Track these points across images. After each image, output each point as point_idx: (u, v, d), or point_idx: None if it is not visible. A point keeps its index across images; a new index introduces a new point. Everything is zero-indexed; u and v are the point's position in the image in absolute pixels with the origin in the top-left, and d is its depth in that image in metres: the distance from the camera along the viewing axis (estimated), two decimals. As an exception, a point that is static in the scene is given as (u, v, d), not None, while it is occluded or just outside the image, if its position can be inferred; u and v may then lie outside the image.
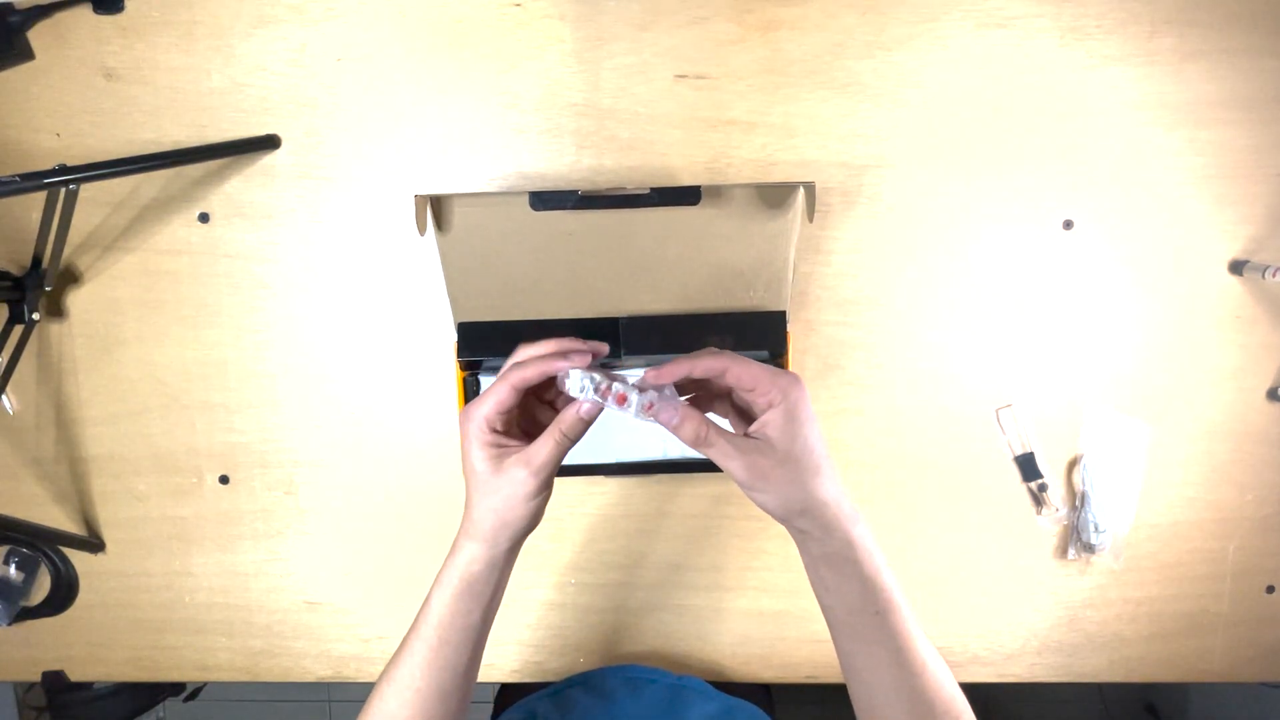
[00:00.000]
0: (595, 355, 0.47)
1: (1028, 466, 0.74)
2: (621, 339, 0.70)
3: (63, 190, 0.64)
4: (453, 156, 0.73)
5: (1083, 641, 0.77)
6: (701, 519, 0.77)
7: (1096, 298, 0.73)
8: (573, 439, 0.46)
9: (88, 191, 0.71)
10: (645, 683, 0.73)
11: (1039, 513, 0.75)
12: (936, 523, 0.76)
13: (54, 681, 0.81)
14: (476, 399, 0.46)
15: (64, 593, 0.78)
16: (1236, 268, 0.72)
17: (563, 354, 0.46)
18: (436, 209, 0.65)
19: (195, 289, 0.75)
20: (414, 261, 0.74)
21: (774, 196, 0.65)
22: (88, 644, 0.81)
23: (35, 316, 0.73)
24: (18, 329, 0.72)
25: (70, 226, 0.69)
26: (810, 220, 0.64)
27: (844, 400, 0.75)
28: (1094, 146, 0.71)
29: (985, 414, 0.75)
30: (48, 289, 0.73)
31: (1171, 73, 0.70)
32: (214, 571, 0.79)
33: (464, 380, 0.73)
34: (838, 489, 0.46)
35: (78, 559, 0.79)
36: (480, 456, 0.46)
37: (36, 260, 0.71)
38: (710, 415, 0.47)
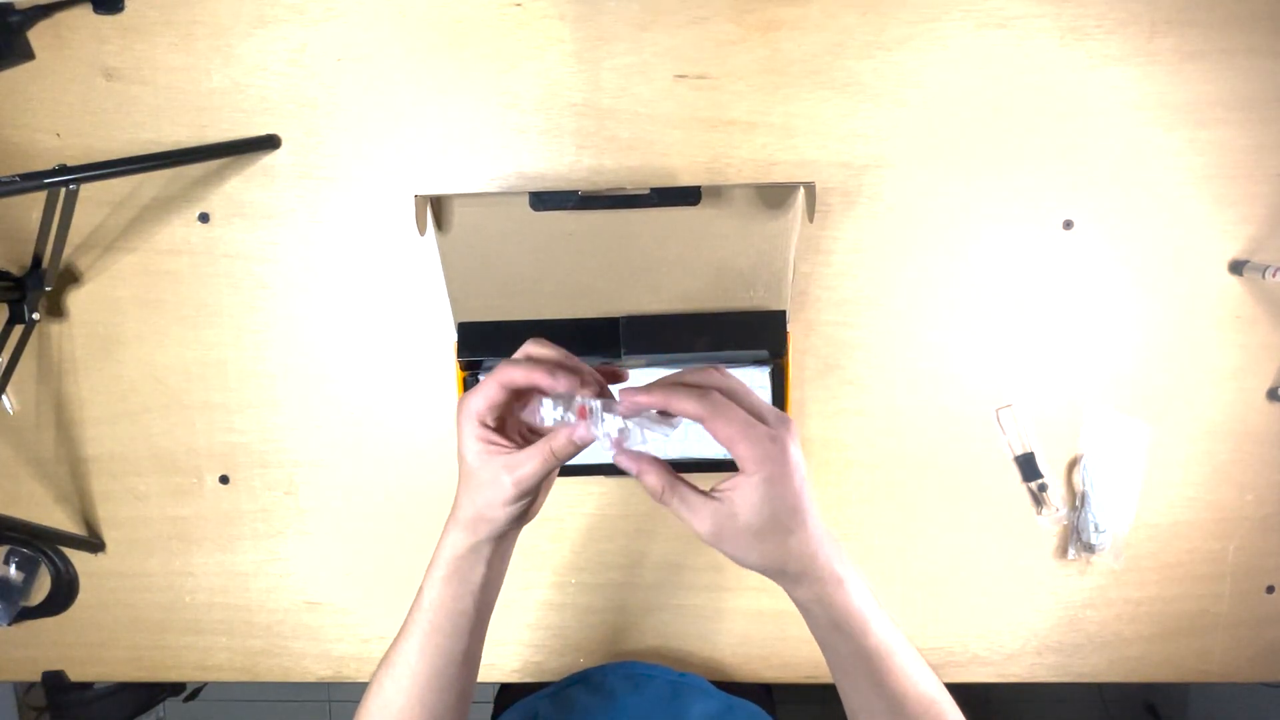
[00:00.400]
0: (587, 385, 0.44)
1: (1028, 466, 0.74)
2: (621, 339, 0.70)
3: (63, 190, 0.64)
4: (453, 156, 0.73)
5: (1083, 641, 0.77)
6: (701, 519, 0.77)
7: (1096, 298, 0.73)
8: (561, 459, 0.44)
9: (88, 191, 0.71)
10: (646, 679, 0.73)
11: (1039, 513, 0.75)
12: (936, 523, 0.76)
13: (54, 681, 0.81)
14: (473, 388, 0.45)
15: (64, 593, 0.78)
16: (1236, 268, 0.72)
17: (555, 370, 0.43)
18: (436, 209, 0.65)
19: (195, 289, 0.75)
20: (414, 261, 0.74)
21: (774, 196, 0.65)
22: (88, 644, 0.81)
23: (35, 316, 0.73)
24: (18, 329, 0.72)
25: (70, 226, 0.69)
26: (810, 220, 0.64)
27: (844, 400, 0.75)
28: (1094, 146, 0.71)
29: (985, 414, 0.75)
30: (48, 289, 0.73)
31: (1171, 73, 0.70)
32: (214, 571, 0.79)
33: (464, 380, 0.73)
34: (813, 546, 0.43)
35: (78, 559, 0.79)
36: (470, 449, 0.45)
37: (37, 260, 0.71)
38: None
